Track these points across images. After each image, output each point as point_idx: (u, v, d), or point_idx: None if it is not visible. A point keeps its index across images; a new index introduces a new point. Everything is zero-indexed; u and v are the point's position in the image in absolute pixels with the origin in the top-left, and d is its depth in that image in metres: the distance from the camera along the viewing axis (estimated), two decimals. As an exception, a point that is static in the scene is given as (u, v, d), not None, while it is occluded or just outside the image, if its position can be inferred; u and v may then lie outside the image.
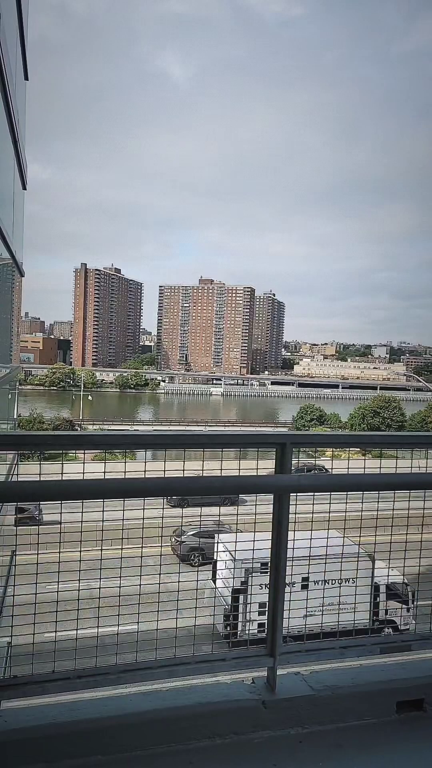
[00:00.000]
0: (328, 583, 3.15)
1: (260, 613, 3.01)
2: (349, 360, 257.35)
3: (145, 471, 2.65)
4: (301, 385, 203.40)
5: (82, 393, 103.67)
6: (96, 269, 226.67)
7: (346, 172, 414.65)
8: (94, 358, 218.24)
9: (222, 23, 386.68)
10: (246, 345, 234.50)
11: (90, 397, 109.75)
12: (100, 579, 2.83)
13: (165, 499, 2.60)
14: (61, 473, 2.39)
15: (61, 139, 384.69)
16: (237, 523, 3.25)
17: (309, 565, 3.15)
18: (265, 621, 2.88)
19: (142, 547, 2.85)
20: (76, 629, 2.81)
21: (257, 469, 2.76)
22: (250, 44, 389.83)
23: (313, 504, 2.91)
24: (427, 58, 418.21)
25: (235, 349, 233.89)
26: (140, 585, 2.86)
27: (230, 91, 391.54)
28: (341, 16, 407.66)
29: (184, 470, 2.75)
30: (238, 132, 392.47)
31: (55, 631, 2.67)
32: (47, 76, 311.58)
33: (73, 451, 3.01)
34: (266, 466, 2.87)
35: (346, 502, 3.17)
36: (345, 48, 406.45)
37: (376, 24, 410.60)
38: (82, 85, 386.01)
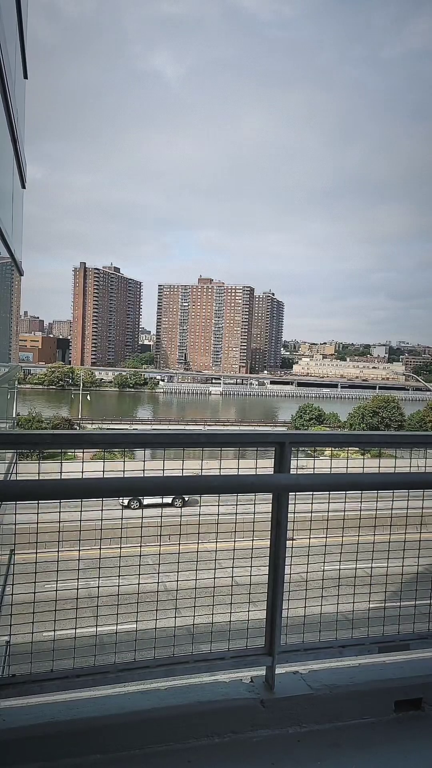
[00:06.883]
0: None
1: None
2: (348, 359, 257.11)
3: (144, 470, 2.65)
4: (300, 384, 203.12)
5: (81, 392, 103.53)
6: (95, 268, 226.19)
7: (344, 172, 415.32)
8: (93, 357, 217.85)
9: (215, 25, 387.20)
10: (245, 344, 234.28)
11: (89, 397, 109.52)
12: (99, 578, 2.83)
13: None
14: (60, 472, 2.39)
15: (56, 140, 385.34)
16: (236, 523, 3.24)
17: (308, 564, 3.14)
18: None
19: (141, 546, 2.85)
20: (75, 628, 2.81)
21: (256, 468, 2.76)
22: (245, 45, 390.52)
23: (312, 503, 2.91)
24: (418, 60, 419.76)
25: (234, 349, 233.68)
26: (139, 584, 2.86)
27: (226, 92, 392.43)
28: (334, 18, 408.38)
29: (183, 469, 2.75)
30: (236, 132, 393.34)
31: (54, 630, 2.67)
32: (41, 77, 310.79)
33: (72, 450, 3.01)
34: (265, 465, 2.87)
35: (345, 502, 3.17)
36: (339, 50, 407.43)
37: (369, 26, 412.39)
38: (75, 86, 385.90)
